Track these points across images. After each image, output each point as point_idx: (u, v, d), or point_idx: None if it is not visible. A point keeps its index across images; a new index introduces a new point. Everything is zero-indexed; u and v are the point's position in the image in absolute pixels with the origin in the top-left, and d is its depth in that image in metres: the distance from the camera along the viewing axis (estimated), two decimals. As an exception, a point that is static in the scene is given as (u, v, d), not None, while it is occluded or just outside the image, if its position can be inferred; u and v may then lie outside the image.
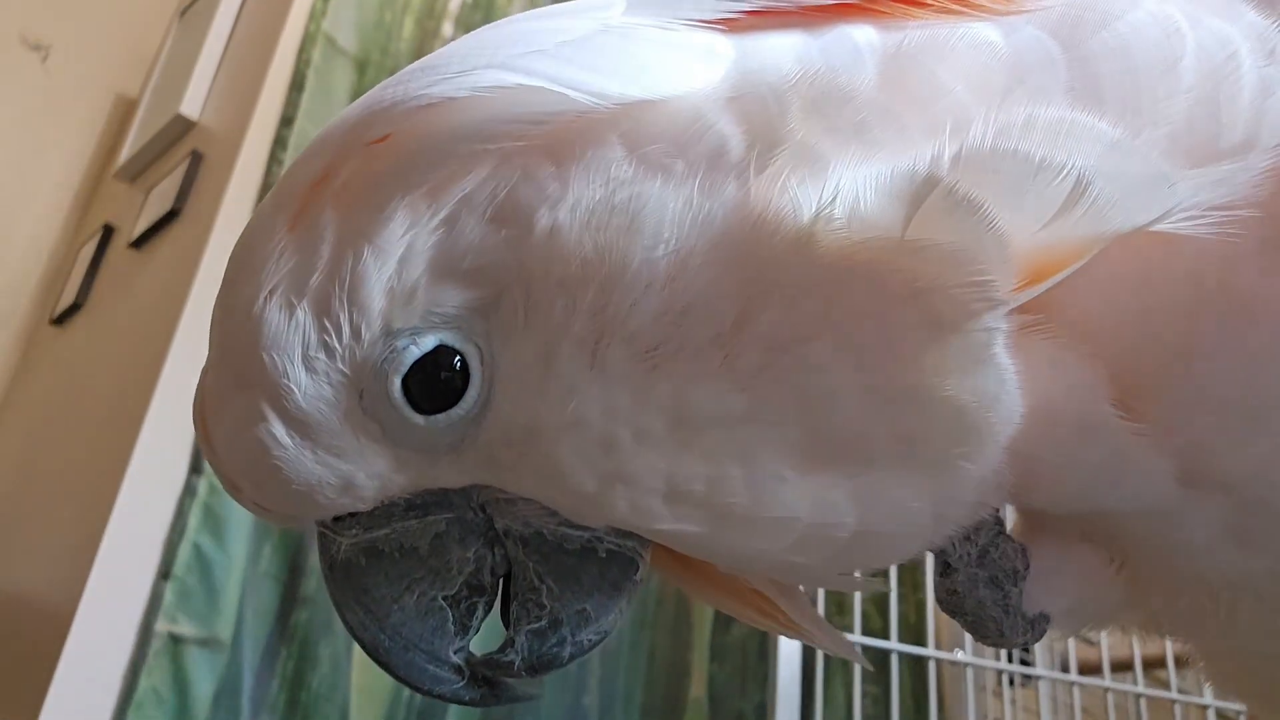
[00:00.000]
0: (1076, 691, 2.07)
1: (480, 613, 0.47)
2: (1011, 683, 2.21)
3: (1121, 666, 2.14)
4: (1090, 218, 0.40)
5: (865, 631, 2.00)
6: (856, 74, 0.43)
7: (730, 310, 0.41)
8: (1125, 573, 0.52)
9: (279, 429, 0.42)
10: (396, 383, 0.42)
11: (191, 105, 2.45)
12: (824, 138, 0.42)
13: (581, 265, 0.41)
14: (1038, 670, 2.14)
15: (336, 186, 0.42)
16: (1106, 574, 0.51)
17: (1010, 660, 2.16)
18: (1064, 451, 0.44)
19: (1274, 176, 0.42)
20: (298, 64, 2.28)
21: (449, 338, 0.43)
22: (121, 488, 1.81)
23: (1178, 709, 2.08)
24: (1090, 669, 2.13)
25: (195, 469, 1.86)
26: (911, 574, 2.31)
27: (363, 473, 0.44)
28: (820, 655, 1.99)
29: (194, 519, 1.84)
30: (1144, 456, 0.44)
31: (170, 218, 2.27)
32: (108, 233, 2.64)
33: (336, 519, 0.46)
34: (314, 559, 0.47)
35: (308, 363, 0.42)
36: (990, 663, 2.12)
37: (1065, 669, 2.11)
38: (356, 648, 0.47)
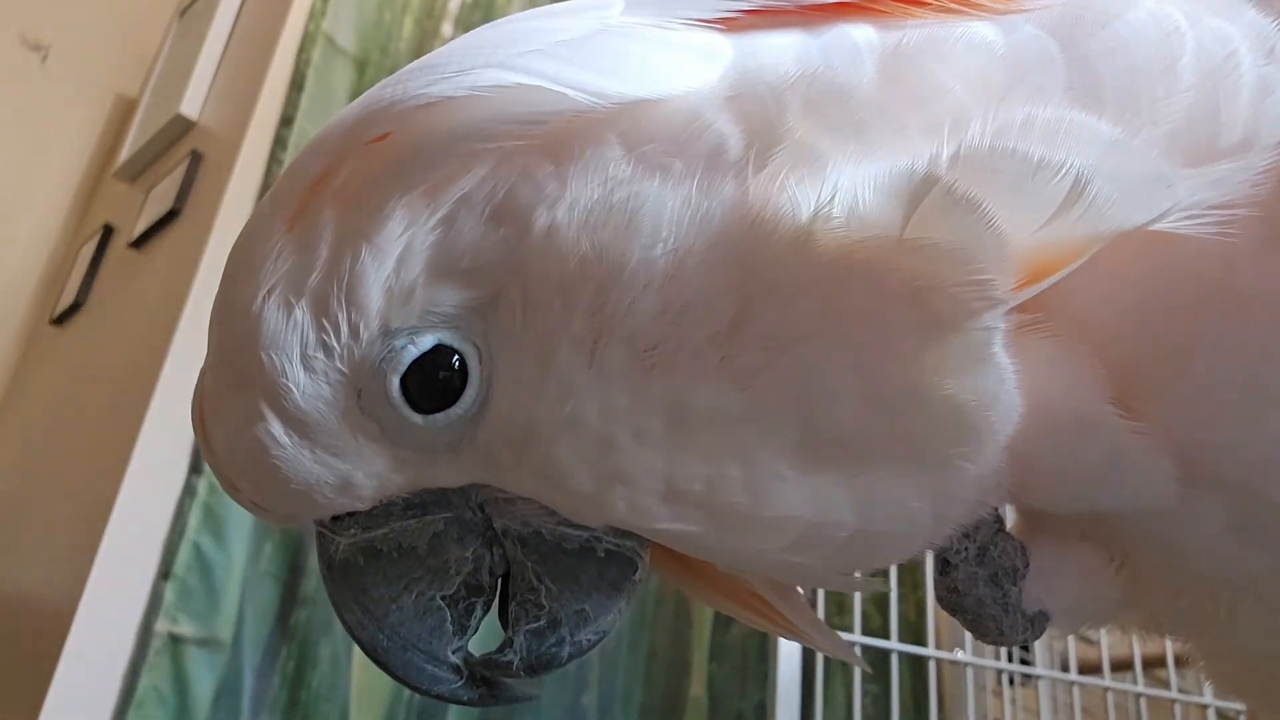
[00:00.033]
0: (1076, 691, 2.07)
1: (479, 613, 0.47)
2: (1011, 682, 2.21)
3: (1121, 666, 2.14)
4: (1089, 217, 0.40)
5: (865, 631, 2.00)
6: (855, 73, 0.43)
7: (728, 309, 0.41)
8: (1125, 572, 0.52)
9: (277, 428, 0.42)
10: (395, 382, 0.42)
11: (191, 105, 2.45)
12: (823, 137, 0.42)
13: (579, 264, 0.41)
14: (1038, 670, 2.14)
15: (335, 186, 0.42)
16: (1106, 573, 0.51)
17: (1010, 660, 2.16)
18: (1063, 451, 0.44)
19: (1273, 175, 0.42)
20: (297, 64, 2.28)
21: (447, 337, 0.43)
22: (121, 488, 1.80)
23: (1178, 708, 2.08)
24: (1090, 668, 2.13)
25: (195, 469, 1.86)
26: (911, 573, 2.31)
27: (361, 472, 0.44)
28: (820, 655, 1.98)
29: (194, 519, 1.84)
30: (1143, 455, 0.44)
31: (170, 218, 2.27)
32: (107, 233, 2.64)
33: (335, 519, 0.46)
34: (314, 558, 0.48)
35: (306, 362, 0.42)
36: (990, 662, 2.12)
37: (1065, 668, 2.11)
38: (357, 647, 0.47)
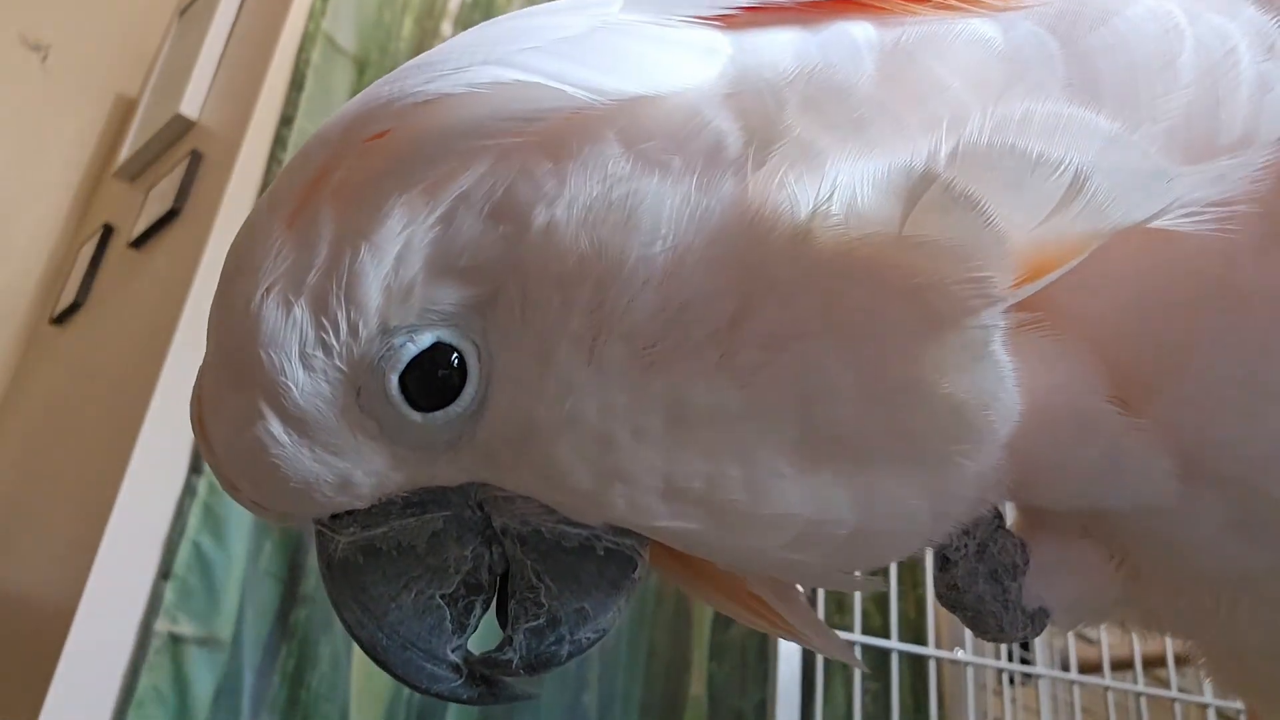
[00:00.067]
0: (1077, 690, 2.07)
1: (478, 611, 0.47)
2: (1012, 681, 2.21)
3: (1122, 665, 2.14)
4: (1088, 214, 0.40)
5: (865, 630, 2.00)
6: (854, 70, 0.43)
7: (728, 307, 0.41)
8: (1125, 569, 0.52)
9: (276, 427, 0.42)
10: (394, 380, 0.42)
11: (191, 105, 2.45)
12: (821, 134, 0.41)
13: (578, 262, 0.41)
14: (1038, 669, 2.14)
15: (334, 184, 0.42)
16: (1107, 570, 0.51)
17: (1010, 659, 2.16)
18: (1063, 448, 0.44)
19: (1273, 172, 0.42)
20: (297, 63, 2.28)
21: (446, 335, 0.43)
22: (121, 487, 1.80)
23: (1178, 708, 2.08)
24: (1090, 668, 2.13)
25: (195, 468, 1.86)
26: (911, 572, 2.31)
27: (360, 470, 0.44)
28: (820, 654, 1.98)
29: (194, 518, 1.84)
30: (1143, 452, 0.44)
31: (170, 217, 2.27)
32: (107, 232, 2.64)
33: (334, 517, 0.46)
34: (314, 558, 0.48)
35: (305, 360, 0.42)
36: (990, 661, 2.12)
37: (1065, 668, 2.11)
38: (357, 647, 0.47)
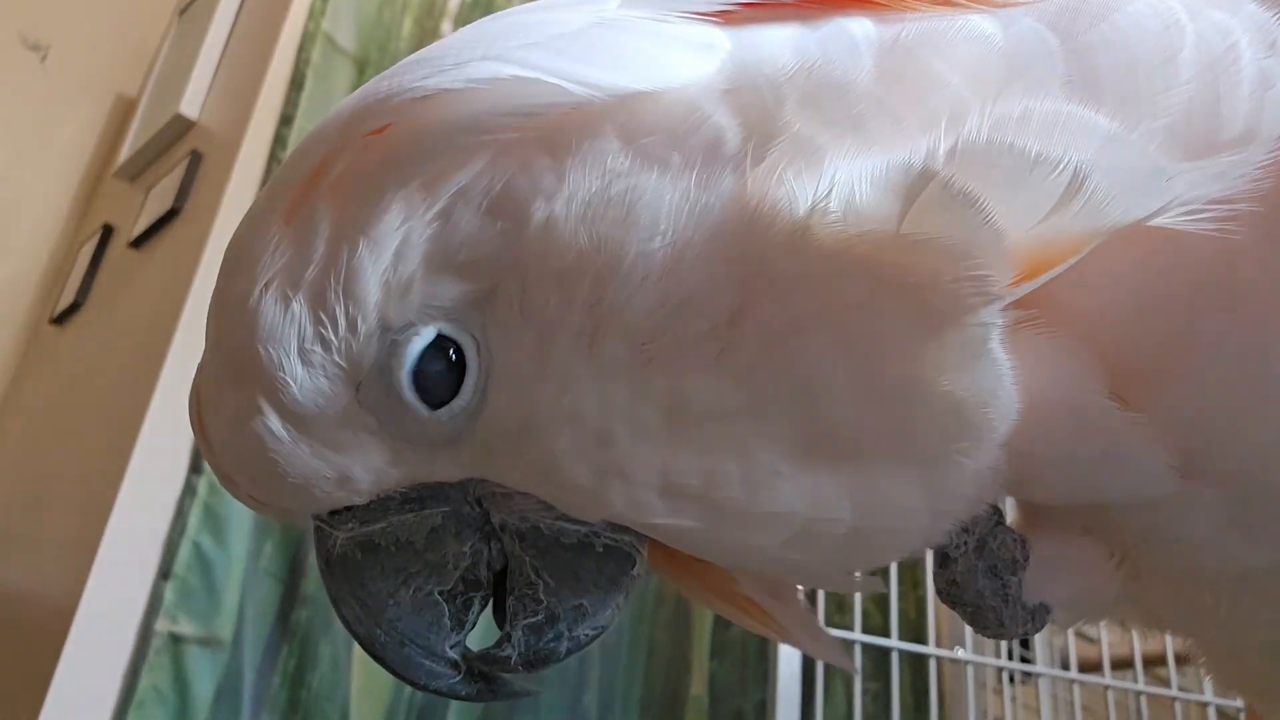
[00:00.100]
0: (1077, 689, 2.07)
1: (476, 608, 0.47)
2: (1012, 680, 2.20)
3: (1122, 664, 2.14)
4: (1087, 212, 0.39)
5: (865, 629, 2.00)
6: (853, 67, 0.43)
7: (726, 303, 0.41)
8: (1126, 567, 0.52)
9: (275, 422, 0.42)
10: (403, 377, 0.42)
11: (191, 104, 2.44)
12: (820, 130, 0.41)
13: (577, 258, 0.41)
14: (1038, 668, 2.14)
15: (332, 179, 0.42)
16: (1107, 566, 0.51)
17: (1011, 658, 2.16)
18: (1061, 445, 0.44)
19: (1274, 170, 0.42)
20: (297, 63, 2.27)
21: (445, 330, 0.42)
22: (122, 487, 1.80)
23: (1178, 706, 2.08)
24: (1091, 666, 2.13)
25: (195, 468, 1.86)
26: (911, 572, 2.31)
27: (359, 466, 0.44)
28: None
29: (194, 518, 1.83)
30: (1142, 448, 0.44)
31: (170, 217, 2.26)
32: (107, 232, 2.64)
33: (333, 513, 0.45)
34: (314, 558, 0.48)
35: (304, 356, 0.42)
36: (991, 660, 2.12)
37: (1066, 666, 2.11)
38: (357, 646, 0.47)
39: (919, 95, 0.42)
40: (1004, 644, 2.18)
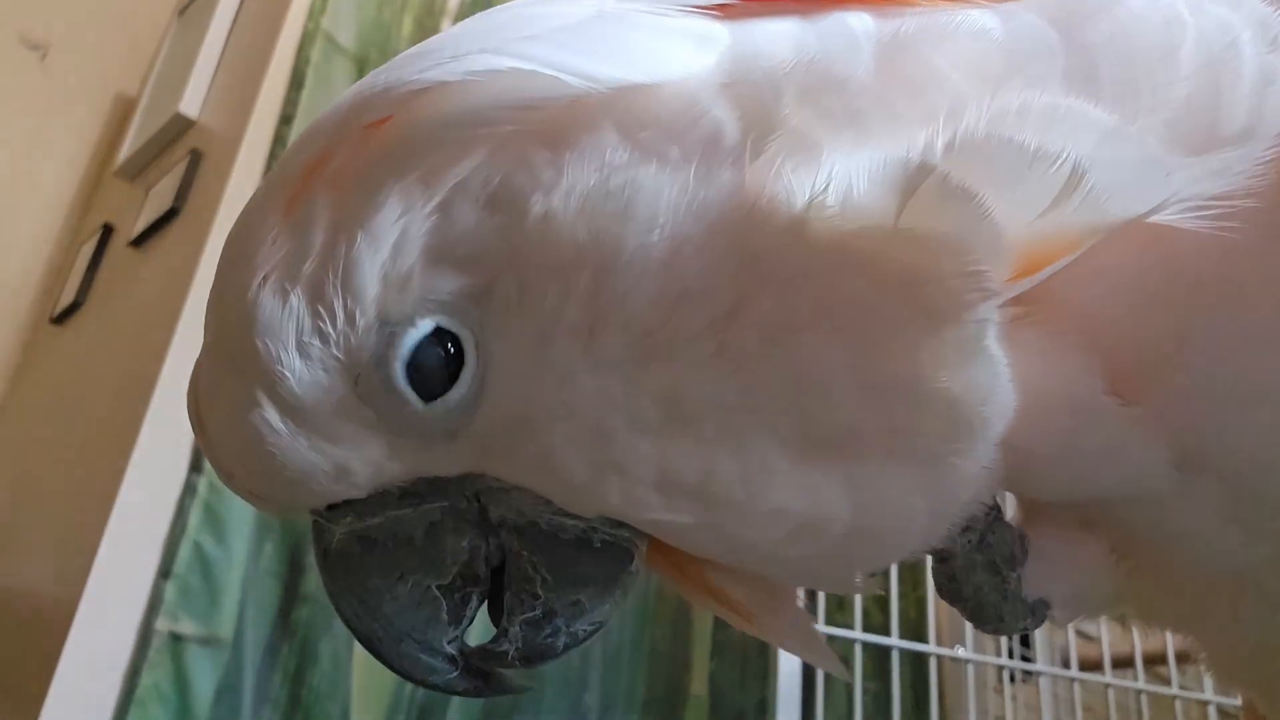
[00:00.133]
0: (1077, 688, 2.07)
1: (474, 603, 0.46)
2: (1012, 679, 2.20)
3: (1122, 663, 2.14)
4: (1086, 207, 0.39)
5: (866, 628, 2.00)
6: (852, 61, 0.43)
7: (724, 298, 0.41)
8: (1125, 563, 0.52)
9: (273, 415, 0.42)
10: (398, 369, 0.42)
11: (191, 104, 2.45)
12: (818, 124, 0.41)
13: (575, 252, 0.41)
14: (1039, 666, 2.14)
15: (330, 172, 0.42)
16: (1107, 562, 0.51)
17: (1011, 656, 2.16)
18: (1059, 440, 0.44)
19: (1274, 166, 0.42)
20: (297, 62, 2.27)
21: (444, 324, 0.42)
22: (122, 486, 1.80)
23: (1179, 705, 2.08)
24: (1091, 665, 2.13)
25: (196, 467, 1.86)
26: (912, 571, 2.31)
27: (357, 460, 0.44)
28: (826, 646, 1.98)
29: (194, 518, 1.84)
30: (1140, 444, 0.44)
31: (170, 216, 2.27)
32: (107, 231, 2.64)
33: (331, 507, 0.45)
34: (314, 557, 0.47)
35: (302, 349, 0.41)
36: (991, 659, 2.12)
37: (1066, 665, 2.11)
38: (358, 645, 0.47)
39: (918, 90, 0.42)
40: (1005, 643, 2.18)
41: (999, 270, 0.39)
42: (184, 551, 1.81)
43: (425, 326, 0.42)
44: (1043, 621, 0.51)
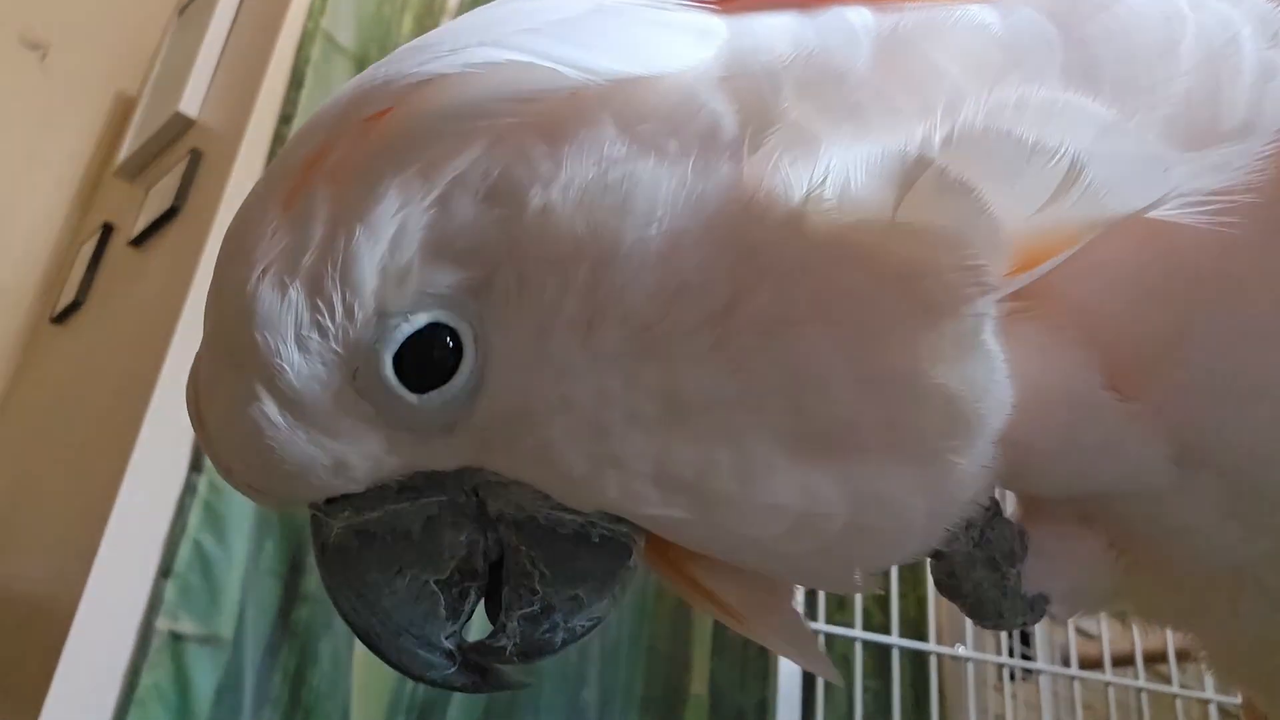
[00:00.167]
0: (1078, 686, 2.07)
1: (472, 598, 0.46)
2: (1013, 677, 2.20)
3: (1123, 661, 2.14)
4: (1085, 202, 0.39)
5: (866, 627, 2.00)
6: (851, 55, 0.43)
7: (722, 292, 0.41)
8: (1125, 559, 0.51)
9: (271, 409, 0.42)
10: (388, 360, 0.42)
11: (190, 103, 2.45)
12: (817, 118, 0.41)
13: (574, 245, 0.41)
14: (1039, 665, 2.14)
15: (329, 165, 0.42)
16: (1107, 558, 0.51)
17: (1012, 655, 2.16)
18: (1058, 436, 0.44)
19: (1274, 161, 0.42)
20: (296, 61, 2.28)
21: (442, 317, 0.42)
22: (122, 486, 1.80)
23: (1179, 703, 2.08)
24: (1091, 664, 2.13)
25: (196, 467, 1.86)
26: (912, 570, 2.31)
27: (355, 453, 0.43)
28: (822, 650, 1.98)
29: (195, 517, 1.84)
30: (1138, 438, 0.44)
31: (170, 215, 2.27)
32: (107, 231, 2.64)
33: (329, 501, 0.45)
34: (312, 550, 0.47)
35: (300, 342, 0.41)
36: (992, 657, 2.12)
37: (1066, 663, 2.11)
38: (358, 644, 0.47)
39: (916, 84, 0.42)
40: (1005, 641, 2.18)
41: (997, 264, 0.39)
42: (184, 551, 1.81)
43: (418, 320, 0.42)
44: (1042, 617, 0.51)
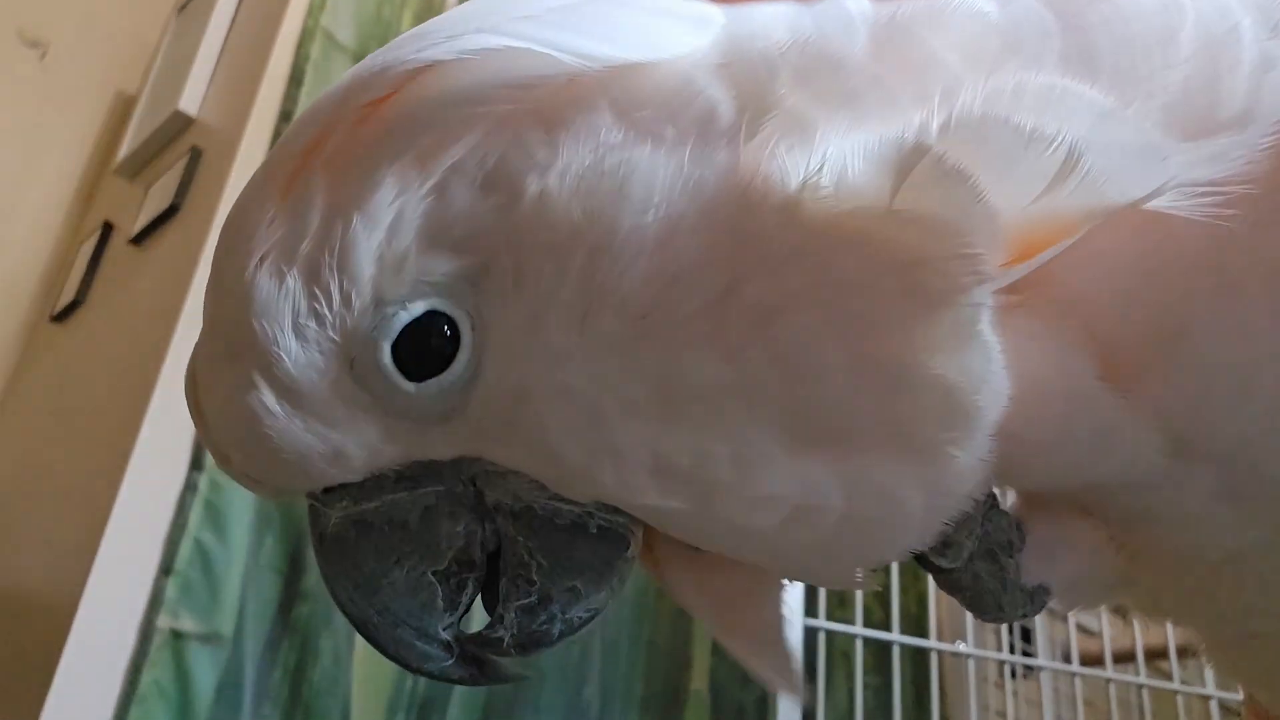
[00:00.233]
0: (1078, 683, 2.07)
1: (470, 589, 0.46)
2: (1014, 674, 2.21)
3: (1124, 657, 2.14)
4: (1082, 191, 0.39)
5: (867, 623, 2.00)
6: (848, 42, 0.43)
7: (719, 279, 0.41)
8: (1124, 550, 0.51)
9: (269, 397, 0.42)
10: (386, 348, 0.42)
11: (190, 101, 2.44)
12: (814, 105, 0.41)
13: (571, 232, 0.41)
14: (1040, 661, 2.14)
15: (327, 153, 0.42)
16: (1106, 549, 0.51)
17: (1012, 651, 2.16)
18: (1053, 427, 0.44)
19: (1272, 153, 0.42)
20: (296, 59, 2.27)
21: (439, 305, 0.42)
22: (122, 484, 1.80)
23: (1180, 700, 2.08)
24: (1092, 660, 2.13)
25: (196, 465, 1.86)
26: (912, 567, 2.31)
27: (352, 442, 0.43)
28: (822, 647, 1.98)
29: (195, 515, 1.84)
30: (1133, 429, 0.44)
31: (170, 214, 2.26)
32: (107, 229, 2.64)
33: (327, 491, 0.45)
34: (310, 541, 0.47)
35: (298, 330, 0.41)
36: (992, 654, 2.12)
37: (1067, 660, 2.11)
38: (359, 641, 0.47)
39: (914, 71, 0.42)
40: (1006, 638, 2.18)
41: (994, 254, 0.39)
42: (185, 548, 1.81)
43: (417, 309, 0.42)
44: (1042, 608, 0.50)
